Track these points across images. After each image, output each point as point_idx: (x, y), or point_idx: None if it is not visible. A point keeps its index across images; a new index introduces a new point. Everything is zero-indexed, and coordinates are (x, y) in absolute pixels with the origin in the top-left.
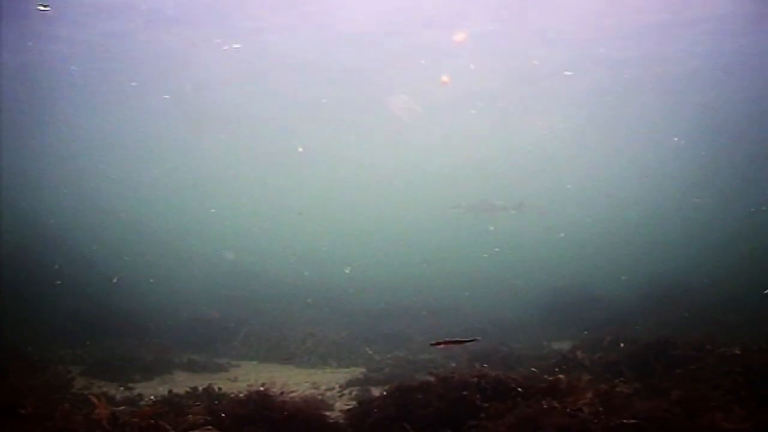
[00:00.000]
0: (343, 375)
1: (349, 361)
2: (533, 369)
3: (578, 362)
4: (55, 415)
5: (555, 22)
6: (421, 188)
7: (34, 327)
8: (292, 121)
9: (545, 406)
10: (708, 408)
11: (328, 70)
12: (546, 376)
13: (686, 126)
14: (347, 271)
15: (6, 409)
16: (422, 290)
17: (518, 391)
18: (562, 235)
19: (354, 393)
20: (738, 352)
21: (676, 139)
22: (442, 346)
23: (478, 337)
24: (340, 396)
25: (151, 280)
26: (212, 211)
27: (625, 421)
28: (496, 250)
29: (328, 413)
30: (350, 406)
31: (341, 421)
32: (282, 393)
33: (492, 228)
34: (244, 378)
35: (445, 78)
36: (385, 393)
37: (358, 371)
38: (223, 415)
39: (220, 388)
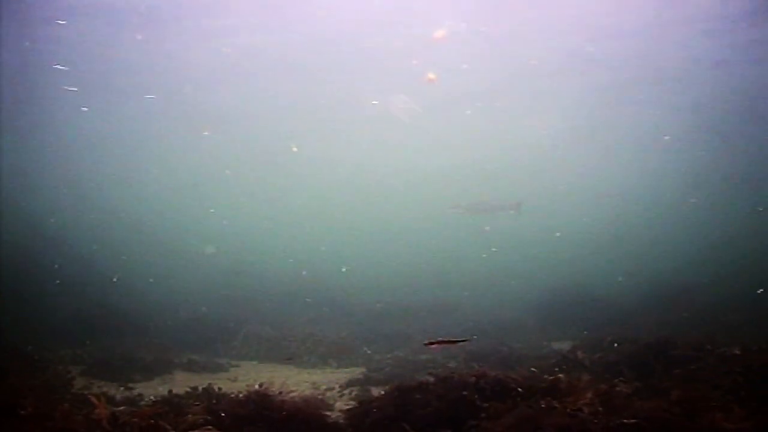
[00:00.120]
0: (343, 375)
1: (349, 361)
2: (533, 369)
3: (578, 362)
4: (55, 415)
5: (550, 21)
6: (420, 188)
7: (34, 327)
8: (288, 121)
9: (545, 406)
10: (708, 408)
11: (324, 70)
12: (546, 376)
13: (683, 126)
14: (343, 270)
15: (6, 409)
16: (422, 290)
17: (518, 391)
18: (558, 234)
19: (354, 393)
20: (738, 352)
21: (666, 137)
22: (435, 345)
23: (470, 337)
24: (340, 396)
25: (151, 280)
26: (211, 210)
27: (625, 420)
28: (494, 250)
29: (328, 413)
30: (350, 406)
31: (341, 421)
32: (282, 393)
33: (487, 228)
34: (244, 378)
35: (431, 75)
36: (384, 393)
37: (358, 371)
38: (223, 415)
39: (220, 388)
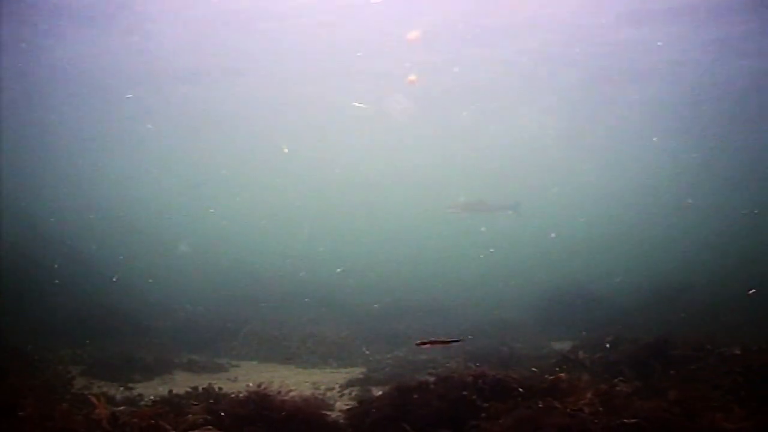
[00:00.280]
0: (343, 375)
1: (349, 361)
2: (534, 369)
3: (578, 362)
4: (55, 415)
5: (545, 21)
6: (419, 189)
7: (34, 327)
8: (284, 121)
9: (546, 406)
10: (708, 408)
11: (320, 70)
12: (547, 376)
13: (681, 126)
14: (339, 271)
15: (6, 409)
16: (422, 290)
17: (519, 391)
18: (553, 235)
19: (354, 393)
20: (738, 352)
21: (655, 139)
22: (427, 345)
23: (463, 338)
24: (341, 396)
25: (150, 280)
26: (211, 211)
27: (625, 420)
28: (492, 251)
29: (328, 413)
30: (350, 406)
31: (341, 420)
32: (282, 393)
33: (483, 229)
34: (244, 378)
35: (412, 77)
36: (384, 393)
37: (358, 371)
38: (223, 415)
39: (220, 388)
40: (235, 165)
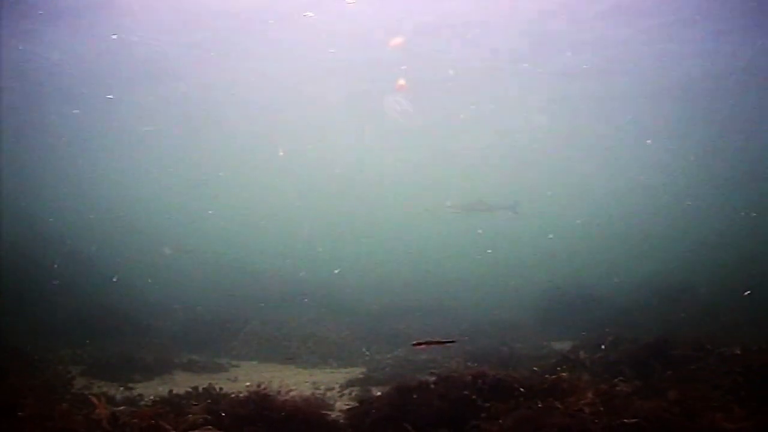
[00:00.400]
0: (343, 375)
1: (349, 361)
2: (535, 368)
3: (579, 362)
4: (55, 415)
5: (544, 24)
6: (419, 189)
7: (34, 327)
8: (283, 121)
9: (546, 406)
10: (708, 408)
11: (317, 69)
12: (547, 376)
13: (679, 127)
14: (336, 272)
15: (6, 409)
16: (422, 290)
17: (520, 390)
18: (551, 236)
19: (354, 393)
20: (738, 352)
21: (648, 141)
22: (423, 346)
23: (459, 338)
24: (341, 396)
25: (149, 280)
26: (210, 212)
27: (625, 420)
28: (489, 251)
29: (328, 413)
30: (350, 406)
31: (341, 420)
32: (282, 393)
33: (480, 231)
34: (244, 378)
35: (401, 82)
36: (385, 392)
37: (358, 371)
38: (223, 415)
39: (221, 388)
40: (234, 165)
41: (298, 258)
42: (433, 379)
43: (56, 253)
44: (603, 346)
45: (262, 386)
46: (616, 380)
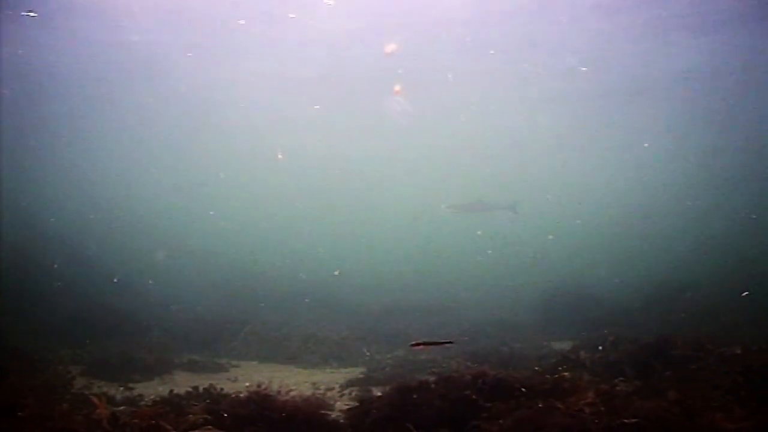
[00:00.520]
0: (343, 375)
1: (349, 361)
2: (537, 368)
3: (579, 362)
4: (55, 415)
5: (543, 25)
6: (420, 189)
7: (34, 327)
8: (284, 122)
9: (547, 406)
10: (708, 408)
11: (317, 71)
12: (548, 376)
13: (679, 127)
14: (336, 273)
15: (6, 409)
16: (422, 291)
17: (521, 390)
18: (550, 237)
19: (354, 393)
20: (738, 351)
21: (646, 145)
22: (421, 347)
23: (455, 339)
24: (341, 396)
25: (150, 282)
26: (211, 213)
27: (625, 420)
28: (489, 252)
29: (328, 413)
30: (350, 406)
31: (342, 420)
32: (282, 393)
33: (480, 233)
34: (244, 378)
35: (397, 87)
36: (385, 392)
37: (358, 371)
38: (223, 415)
39: (221, 389)
40: (235, 166)
41: (298, 259)
42: (433, 378)
43: (57, 253)
44: (603, 347)
45: (263, 386)
46: (616, 380)
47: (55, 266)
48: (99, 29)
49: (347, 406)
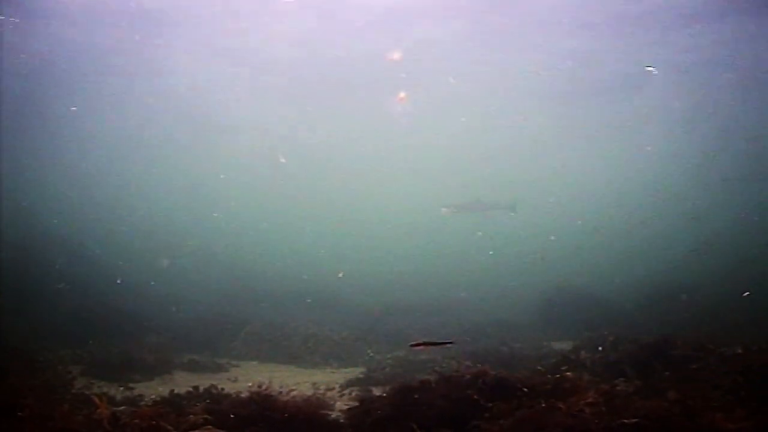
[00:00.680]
0: (343, 375)
1: (349, 361)
2: (539, 367)
3: (579, 362)
4: (56, 415)
5: (543, 24)
6: (420, 189)
7: (34, 327)
8: (286, 123)
9: (549, 406)
10: (708, 408)
11: (320, 72)
12: (549, 376)
13: (679, 127)
14: (341, 276)
15: (6, 409)
16: (422, 291)
17: (523, 391)
18: (553, 238)
19: (354, 393)
20: (739, 351)
21: (649, 148)
22: (421, 347)
23: (454, 340)
24: (341, 396)
25: (153, 283)
26: (215, 215)
27: (626, 420)
28: (491, 253)
29: (328, 413)
30: (350, 406)
31: (342, 420)
32: (283, 393)
33: (480, 233)
34: (244, 378)
35: (402, 95)
36: (386, 392)
37: (358, 371)
38: (224, 415)
39: (222, 389)
40: (238, 167)
41: (300, 259)
42: (434, 378)
43: (58, 253)
44: (603, 347)
45: (264, 387)
46: (616, 380)
47: (57, 267)
48: (99, 28)
49: (347, 406)
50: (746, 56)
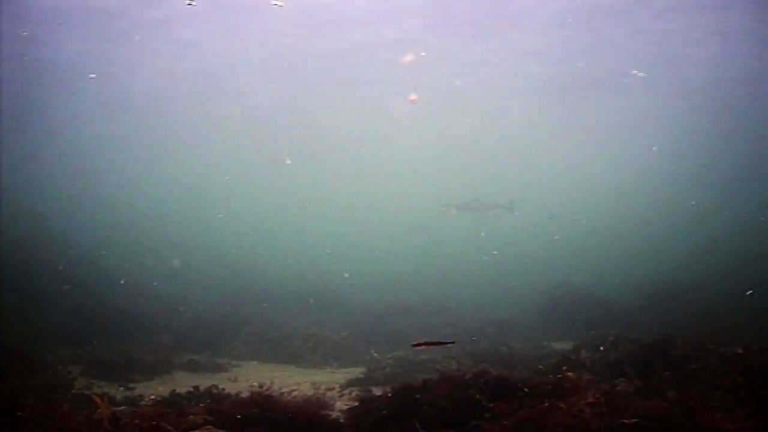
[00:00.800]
0: (343, 375)
1: (349, 361)
2: (540, 367)
3: (580, 362)
4: (56, 415)
5: (543, 25)
6: (421, 189)
7: (34, 327)
8: (290, 124)
9: (550, 406)
10: (708, 408)
11: (323, 73)
12: (551, 376)
13: (681, 128)
14: (346, 276)
15: (6, 409)
16: (422, 291)
17: (524, 391)
18: (557, 237)
19: (354, 393)
20: (739, 351)
21: (654, 148)
22: (423, 347)
23: (456, 340)
24: (341, 396)
25: (155, 284)
26: (219, 216)
27: (626, 420)
28: (495, 253)
29: (329, 413)
30: (350, 406)
31: (342, 420)
32: (283, 393)
33: (483, 234)
34: (244, 378)
35: (413, 96)
36: (386, 392)
37: (358, 371)
38: (224, 415)
39: (223, 389)
40: (242, 167)
41: (303, 259)
42: (435, 378)
43: (59, 253)
44: (603, 347)
45: (264, 387)
46: (617, 380)
47: (60, 268)
48: (100, 28)
49: (347, 406)
50: (748, 53)
